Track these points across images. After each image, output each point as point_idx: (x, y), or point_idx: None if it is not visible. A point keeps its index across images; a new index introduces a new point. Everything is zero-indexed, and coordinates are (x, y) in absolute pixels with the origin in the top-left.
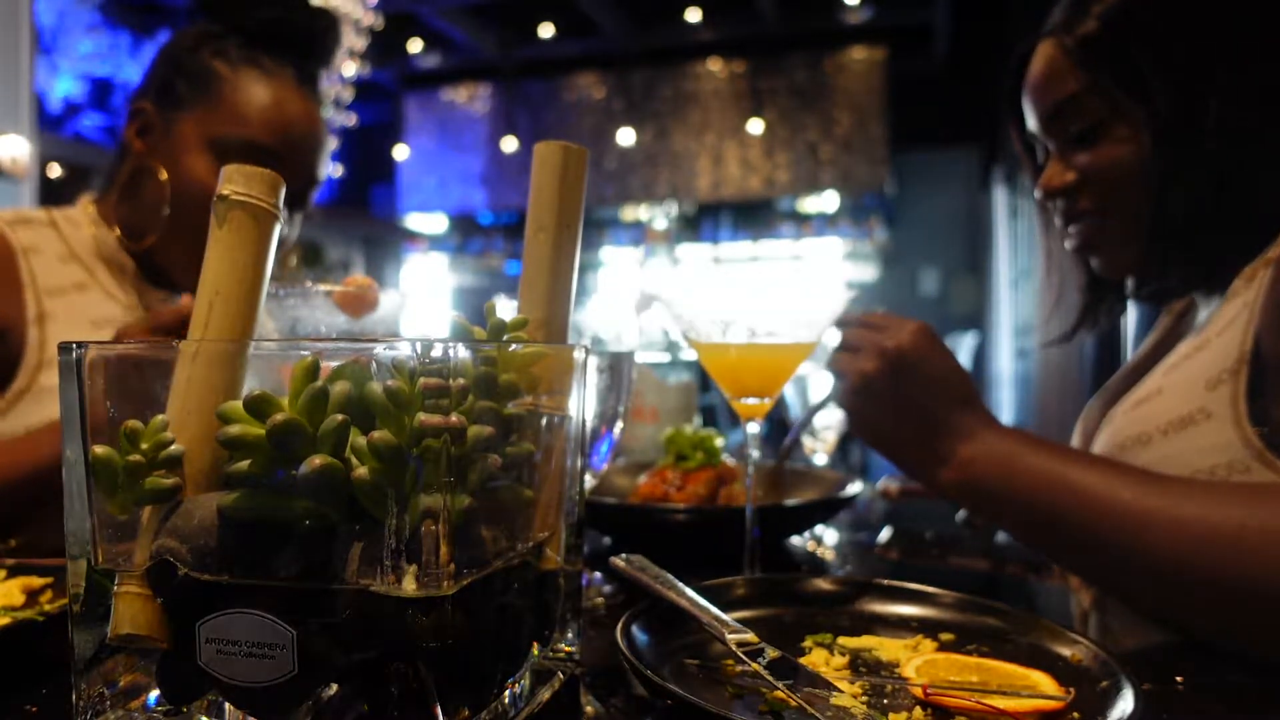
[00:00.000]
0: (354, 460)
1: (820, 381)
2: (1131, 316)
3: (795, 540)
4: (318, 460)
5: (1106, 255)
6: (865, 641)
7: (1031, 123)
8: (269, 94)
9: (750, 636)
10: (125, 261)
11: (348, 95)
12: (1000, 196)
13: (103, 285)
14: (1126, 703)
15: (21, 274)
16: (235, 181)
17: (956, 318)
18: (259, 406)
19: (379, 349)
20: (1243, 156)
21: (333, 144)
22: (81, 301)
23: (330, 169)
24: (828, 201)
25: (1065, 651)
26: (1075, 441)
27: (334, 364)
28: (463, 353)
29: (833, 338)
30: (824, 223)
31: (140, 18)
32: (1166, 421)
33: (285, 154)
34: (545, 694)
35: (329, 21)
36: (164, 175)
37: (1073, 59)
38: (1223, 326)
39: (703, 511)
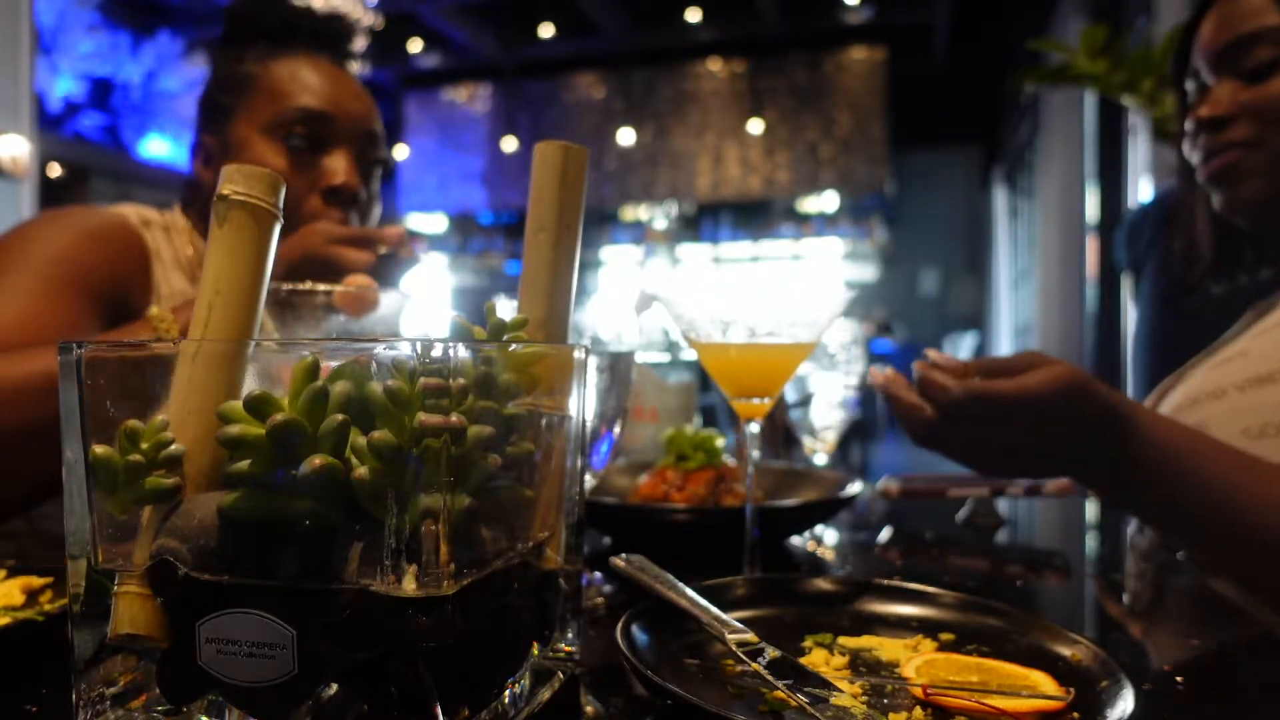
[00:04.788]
0: (354, 460)
1: (820, 383)
2: (1132, 318)
3: (795, 540)
4: (318, 460)
5: (1238, 188)
6: (865, 641)
7: (1200, 60)
8: (302, 67)
9: (750, 636)
10: None
11: None
12: (1000, 196)
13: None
14: (1126, 703)
15: (156, 277)
16: (235, 181)
17: (956, 318)
18: (259, 406)
19: (379, 349)
20: None
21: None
22: None
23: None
24: (828, 201)
25: (1065, 651)
26: (1147, 405)
27: (334, 364)
28: (463, 353)
29: (833, 338)
30: (824, 223)
31: (140, 18)
32: (1244, 379)
33: (335, 113)
34: (545, 694)
35: (344, 21)
36: None
37: None
38: None
39: (703, 511)
